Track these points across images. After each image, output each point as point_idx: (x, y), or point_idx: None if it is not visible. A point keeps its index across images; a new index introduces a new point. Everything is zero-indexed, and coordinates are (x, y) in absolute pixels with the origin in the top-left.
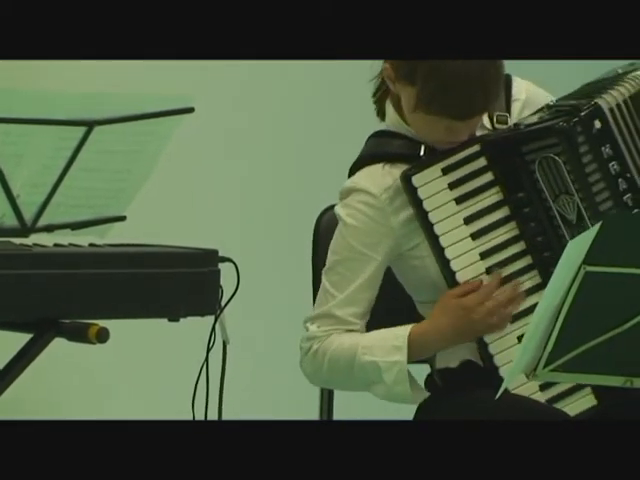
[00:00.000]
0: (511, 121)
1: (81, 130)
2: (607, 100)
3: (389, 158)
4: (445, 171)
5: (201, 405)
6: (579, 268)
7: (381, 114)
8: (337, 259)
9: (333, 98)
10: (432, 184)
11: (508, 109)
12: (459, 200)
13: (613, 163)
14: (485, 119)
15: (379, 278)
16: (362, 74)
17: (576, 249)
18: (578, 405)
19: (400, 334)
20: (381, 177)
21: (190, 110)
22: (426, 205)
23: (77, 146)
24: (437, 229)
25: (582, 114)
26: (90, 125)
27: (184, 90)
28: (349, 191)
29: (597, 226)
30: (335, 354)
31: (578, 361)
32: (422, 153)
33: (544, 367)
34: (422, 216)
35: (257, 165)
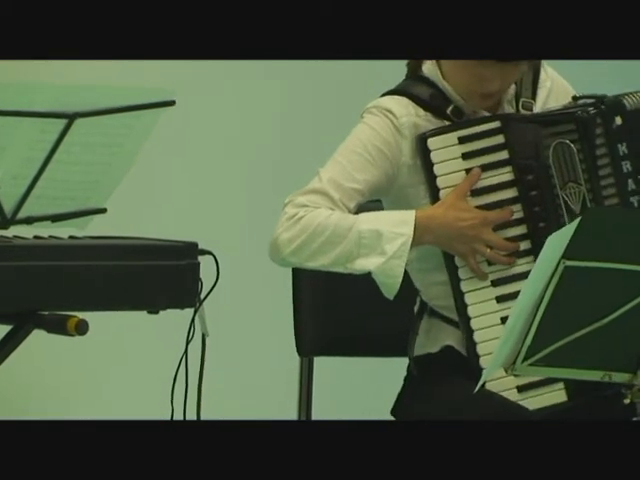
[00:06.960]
0: (536, 108)
1: (62, 122)
2: (632, 102)
3: (417, 100)
4: (462, 140)
5: (180, 398)
6: (558, 262)
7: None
8: (341, 151)
9: (312, 91)
10: (446, 150)
11: (534, 95)
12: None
13: (626, 162)
14: (509, 105)
15: (371, 193)
16: (344, 72)
17: (556, 243)
18: (548, 398)
19: (406, 212)
20: (405, 106)
21: (171, 103)
22: (436, 169)
23: (58, 138)
24: (442, 194)
25: (604, 107)
26: (71, 118)
27: (166, 83)
28: (374, 107)
29: (577, 220)
30: (326, 221)
31: (557, 355)
32: (449, 111)
33: (523, 361)
34: (430, 179)
35: (236, 158)
